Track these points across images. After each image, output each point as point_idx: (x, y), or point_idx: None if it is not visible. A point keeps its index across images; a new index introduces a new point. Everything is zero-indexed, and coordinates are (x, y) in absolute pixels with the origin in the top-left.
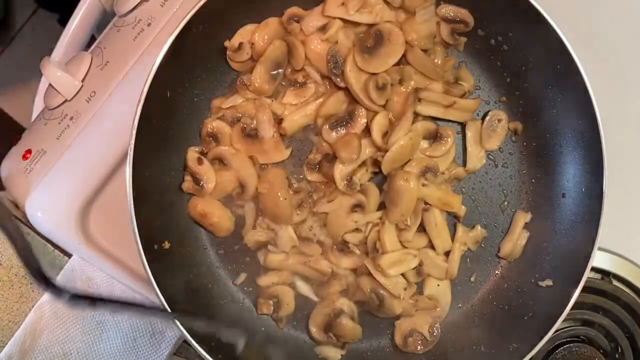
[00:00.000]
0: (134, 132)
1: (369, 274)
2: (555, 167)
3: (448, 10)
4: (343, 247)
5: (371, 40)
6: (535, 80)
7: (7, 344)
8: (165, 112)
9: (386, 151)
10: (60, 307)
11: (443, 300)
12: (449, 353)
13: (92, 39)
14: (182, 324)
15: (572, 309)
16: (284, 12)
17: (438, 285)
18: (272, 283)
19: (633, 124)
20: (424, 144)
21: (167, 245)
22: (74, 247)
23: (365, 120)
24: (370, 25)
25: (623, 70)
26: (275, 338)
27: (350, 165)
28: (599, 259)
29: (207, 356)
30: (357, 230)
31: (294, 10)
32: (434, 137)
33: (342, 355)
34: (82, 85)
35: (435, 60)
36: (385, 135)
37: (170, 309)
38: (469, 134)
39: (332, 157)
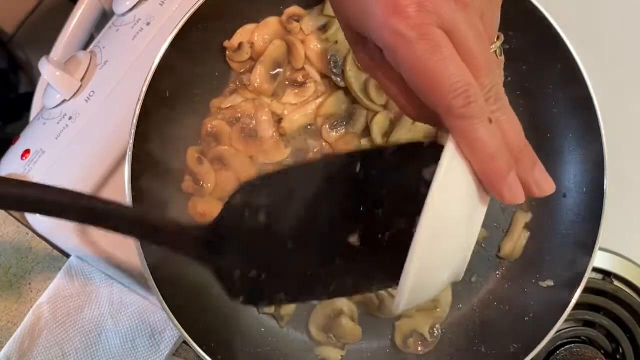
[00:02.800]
0: (134, 131)
1: None
2: (556, 167)
3: None
4: None
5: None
6: (536, 80)
7: (5, 344)
8: (164, 112)
9: None
10: (60, 308)
11: (443, 301)
12: (449, 354)
13: (91, 38)
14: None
15: (573, 309)
16: (283, 12)
17: None
18: None
19: (634, 124)
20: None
21: None
22: (73, 247)
23: (365, 120)
24: None
25: (624, 70)
26: (275, 338)
27: None
28: (600, 260)
29: (207, 356)
30: None
31: (294, 9)
32: (435, 137)
33: (342, 356)
34: (81, 85)
35: None
36: (385, 135)
37: (170, 308)
38: None
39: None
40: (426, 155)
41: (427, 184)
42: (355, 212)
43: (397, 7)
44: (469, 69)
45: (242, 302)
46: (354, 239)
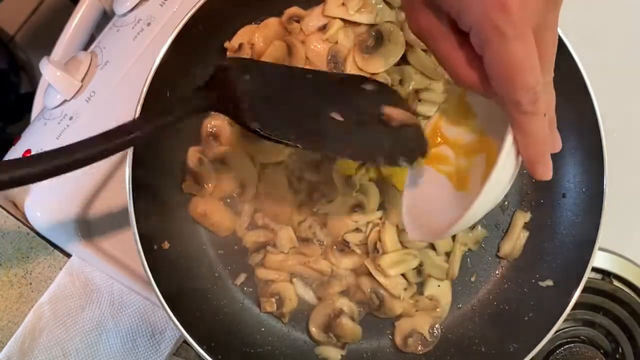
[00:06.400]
0: None
1: (369, 274)
2: (555, 167)
3: None
4: (343, 247)
5: (371, 40)
6: None
7: (6, 344)
8: (165, 112)
9: None
10: (61, 308)
11: (443, 300)
12: (449, 353)
13: (92, 38)
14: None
15: (572, 309)
16: (284, 12)
17: (438, 285)
18: (271, 279)
19: (633, 124)
20: None
21: (167, 245)
22: (74, 247)
23: None
24: (371, 25)
25: (623, 70)
26: (275, 338)
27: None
28: (599, 259)
29: (207, 356)
30: (357, 230)
31: (294, 10)
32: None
33: (342, 355)
34: (82, 85)
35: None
36: None
37: (170, 308)
38: None
39: (332, 157)
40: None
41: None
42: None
43: (503, 3)
44: (541, 61)
45: (258, 128)
46: (336, 115)
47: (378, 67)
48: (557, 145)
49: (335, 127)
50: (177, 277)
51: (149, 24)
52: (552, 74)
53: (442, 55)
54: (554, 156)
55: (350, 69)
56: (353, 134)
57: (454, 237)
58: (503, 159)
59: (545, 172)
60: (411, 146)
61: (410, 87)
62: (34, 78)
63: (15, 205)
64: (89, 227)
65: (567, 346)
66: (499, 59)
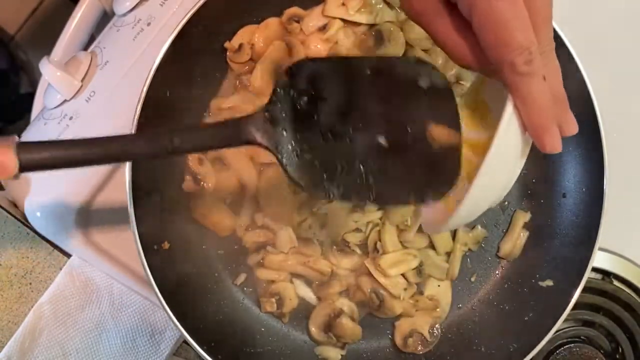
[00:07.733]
0: (134, 132)
1: (369, 274)
2: (555, 167)
3: None
4: (343, 247)
5: (371, 40)
6: None
7: (6, 344)
8: (165, 112)
9: None
10: (60, 308)
11: (443, 300)
12: (449, 353)
13: (92, 38)
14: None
15: (572, 309)
16: (284, 13)
17: (438, 285)
18: (271, 279)
19: (633, 124)
20: None
21: (167, 245)
22: (73, 247)
23: None
24: (371, 25)
25: (623, 70)
26: (275, 338)
27: None
28: (599, 259)
29: (207, 356)
30: (357, 230)
31: (294, 10)
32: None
33: (342, 355)
34: (82, 85)
35: (436, 61)
36: None
37: (170, 308)
38: None
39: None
40: (416, 68)
41: (425, 93)
42: (377, 114)
43: None
44: (534, 24)
45: (306, 185)
46: (382, 140)
47: None
48: (572, 127)
49: (375, 167)
50: (177, 277)
51: (149, 24)
52: (552, 43)
53: (435, 33)
54: (555, 156)
55: None
56: (390, 174)
57: (454, 237)
58: (504, 126)
59: (554, 143)
60: (442, 178)
61: None
62: (34, 78)
63: (15, 205)
64: (89, 227)
65: (567, 346)
66: (485, 19)
